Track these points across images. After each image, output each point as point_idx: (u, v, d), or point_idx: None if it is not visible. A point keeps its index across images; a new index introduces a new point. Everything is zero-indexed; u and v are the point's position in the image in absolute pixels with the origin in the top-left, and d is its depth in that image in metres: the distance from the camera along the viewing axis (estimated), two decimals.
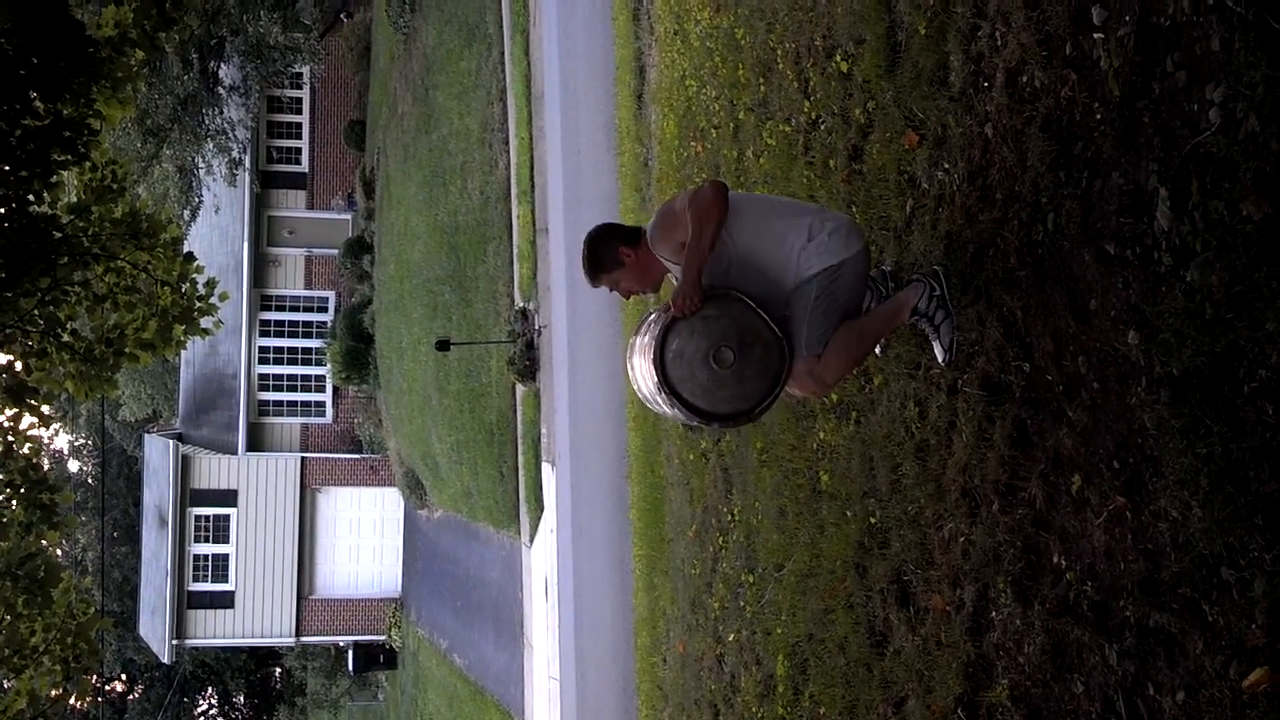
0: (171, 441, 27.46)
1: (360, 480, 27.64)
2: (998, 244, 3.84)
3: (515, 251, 18.05)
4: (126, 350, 8.52)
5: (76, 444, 48.20)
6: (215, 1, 23.16)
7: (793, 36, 5.85)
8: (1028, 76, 3.69)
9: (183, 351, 29.21)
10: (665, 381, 3.88)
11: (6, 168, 8.15)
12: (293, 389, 28.30)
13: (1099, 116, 3.35)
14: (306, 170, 29.71)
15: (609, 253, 4.19)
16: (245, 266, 27.45)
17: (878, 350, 4.67)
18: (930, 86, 4.31)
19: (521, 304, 17.87)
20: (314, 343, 28.15)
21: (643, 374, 4.03)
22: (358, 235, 27.84)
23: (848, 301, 3.98)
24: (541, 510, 16.66)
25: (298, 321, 28.68)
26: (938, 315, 4.08)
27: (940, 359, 4.15)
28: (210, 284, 8.88)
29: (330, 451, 27.86)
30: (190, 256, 8.86)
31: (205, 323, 8.86)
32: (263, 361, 28.19)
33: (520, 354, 17.22)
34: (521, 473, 17.84)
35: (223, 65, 24.70)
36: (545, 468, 16.29)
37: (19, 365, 8.22)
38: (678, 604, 8.46)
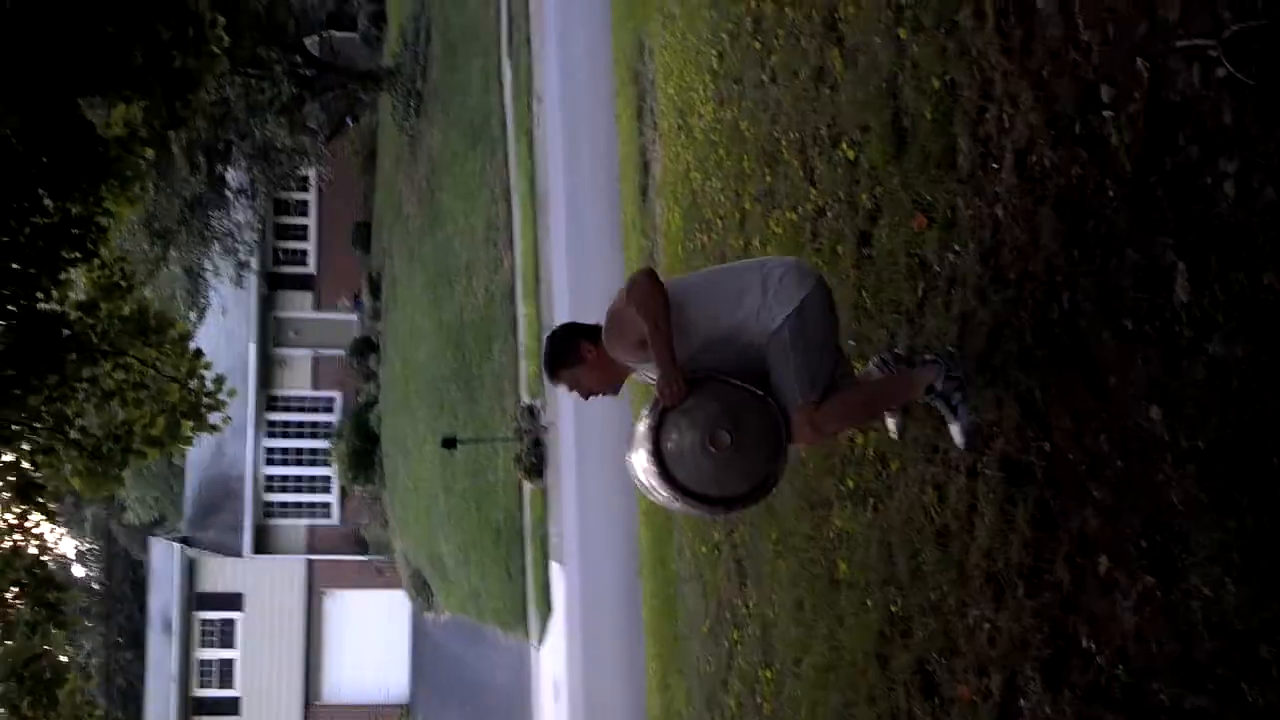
0: (177, 544, 27.32)
1: (367, 583, 27.38)
2: (1013, 324, 3.82)
3: (521, 349, 18.10)
4: (134, 447, 8.51)
5: (82, 549, 47.83)
6: (222, 106, 23.54)
7: (797, 127, 5.90)
8: (1037, 156, 3.69)
9: (188, 452, 29.19)
10: (674, 484, 3.80)
11: (15, 265, 8.22)
12: (299, 490, 28.19)
13: (1112, 194, 3.34)
14: (313, 271, 29.96)
15: (570, 349, 4.08)
16: (252, 367, 27.53)
17: (894, 433, 4.62)
18: (938, 170, 4.32)
19: (528, 401, 17.85)
20: (320, 443, 28.10)
21: (642, 469, 3.95)
22: (364, 335, 27.96)
23: (823, 336, 3.92)
24: (550, 611, 16.46)
25: (304, 422, 28.67)
26: (954, 396, 4.04)
27: (958, 442, 4.09)
28: (219, 380, 8.90)
29: (337, 553, 27.67)
30: (199, 353, 8.89)
31: (214, 418, 8.86)
32: (269, 462, 28.13)
33: (527, 451, 17.15)
34: (530, 572, 17.67)
35: (230, 168, 25.04)
36: (554, 567, 16.14)
37: (26, 464, 8.20)
38: (693, 704, 8.30)
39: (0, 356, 8.19)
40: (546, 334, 4.22)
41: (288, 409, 28.75)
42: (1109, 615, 3.26)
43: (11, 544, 8.37)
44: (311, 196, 30.16)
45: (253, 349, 27.69)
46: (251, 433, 27.66)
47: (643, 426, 3.90)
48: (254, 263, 26.78)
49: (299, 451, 28.37)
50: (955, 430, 4.10)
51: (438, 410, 21.51)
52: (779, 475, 3.94)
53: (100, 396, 8.63)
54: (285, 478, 28.17)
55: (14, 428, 8.25)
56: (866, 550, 4.99)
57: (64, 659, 8.57)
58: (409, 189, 24.72)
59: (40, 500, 8.34)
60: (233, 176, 25.73)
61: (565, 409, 15.07)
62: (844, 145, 5.24)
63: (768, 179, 6.36)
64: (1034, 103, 3.73)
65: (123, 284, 8.89)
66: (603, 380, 4.12)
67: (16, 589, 8.35)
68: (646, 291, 3.80)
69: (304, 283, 29.93)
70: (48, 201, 8.37)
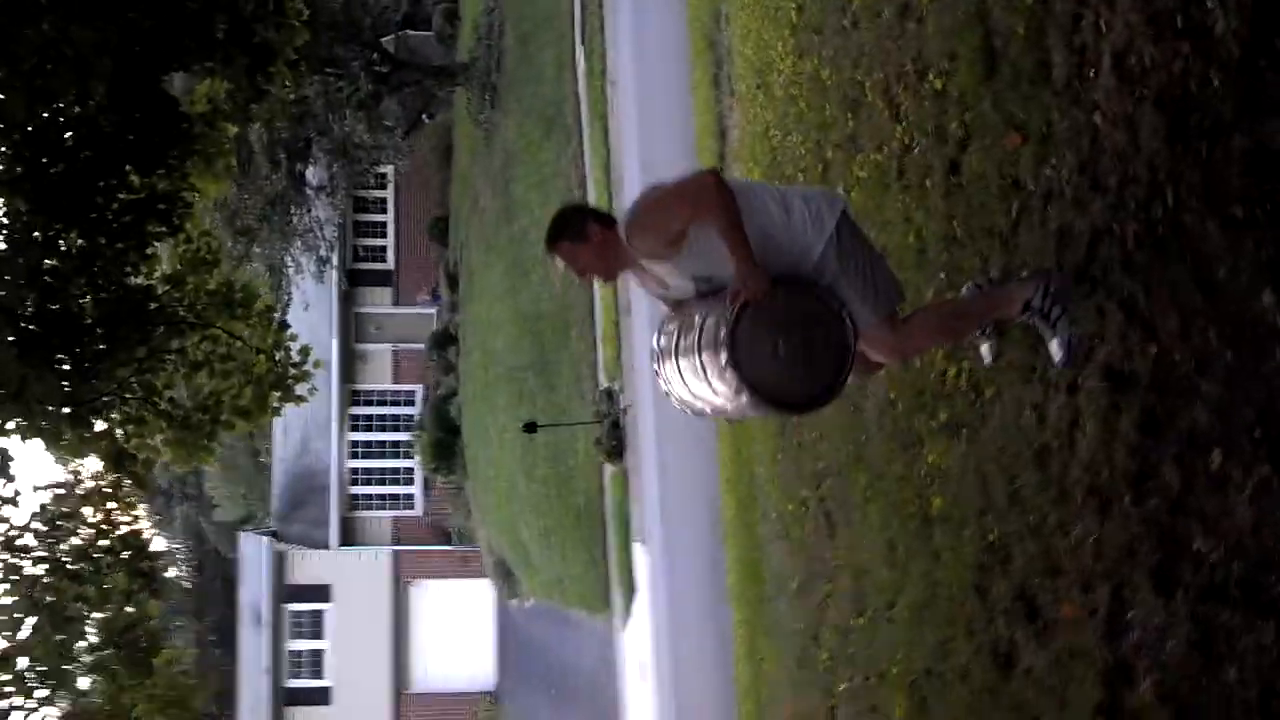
0: (265, 538, 27.74)
1: (452, 572, 27.60)
2: (1113, 230, 3.73)
3: (599, 334, 18.11)
4: (223, 418, 8.62)
5: (172, 549, 48.83)
6: (302, 104, 23.88)
7: (881, 66, 5.83)
8: (1136, 56, 3.60)
9: (275, 449, 29.63)
10: (750, 385, 3.74)
11: (103, 240, 8.37)
12: (382, 482, 28.51)
13: (1216, 83, 3.25)
14: (392, 267, 30.27)
15: (577, 224, 4.00)
16: (334, 363, 27.84)
17: (988, 358, 4.54)
18: (1032, 85, 4.24)
19: (606, 385, 17.87)
20: (402, 436, 28.38)
21: (700, 371, 3.86)
22: (443, 328, 28.19)
23: (865, 249, 3.97)
24: (634, 591, 16.44)
25: (386, 415, 28.98)
26: (1053, 311, 3.95)
27: (1057, 359, 4.00)
28: (304, 351, 8.99)
29: (421, 544, 27.93)
30: (284, 325, 8.99)
31: (300, 389, 8.95)
32: (353, 456, 28.47)
33: (607, 434, 17.17)
34: (612, 554, 17.67)
35: (310, 166, 25.38)
36: (636, 547, 16.12)
37: (118, 432, 8.34)
38: (783, 664, 8.23)
39: (90, 329, 8.34)
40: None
41: (370, 403, 29.08)
42: (1222, 512, 3.17)
43: (105, 512, 8.53)
44: (389, 194, 30.47)
45: (335, 345, 28.01)
46: (335, 427, 28.01)
47: (681, 321, 3.84)
48: (334, 259, 27.10)
49: (382, 444, 28.69)
50: (1054, 346, 4.01)
51: (517, 399, 21.62)
52: (842, 389, 3.90)
53: (189, 368, 8.75)
54: (369, 470, 28.50)
55: (105, 399, 8.39)
56: (961, 483, 4.91)
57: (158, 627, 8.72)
58: (484, 181, 24.88)
59: (133, 470, 8.48)
60: (312, 174, 26.08)
61: (644, 390, 15.05)
62: (931, 77, 5.16)
63: (850, 124, 6.29)
64: (1132, 2, 3.63)
65: (209, 258, 9.02)
66: (600, 262, 4.01)
67: (111, 556, 8.51)
68: (716, 189, 3.74)
69: (383, 279, 30.25)
70: (134, 178, 8.50)
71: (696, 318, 3.87)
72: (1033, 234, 4.23)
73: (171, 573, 47.52)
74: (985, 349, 4.56)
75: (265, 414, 8.98)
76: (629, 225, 3.92)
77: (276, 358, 9.01)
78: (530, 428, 18.24)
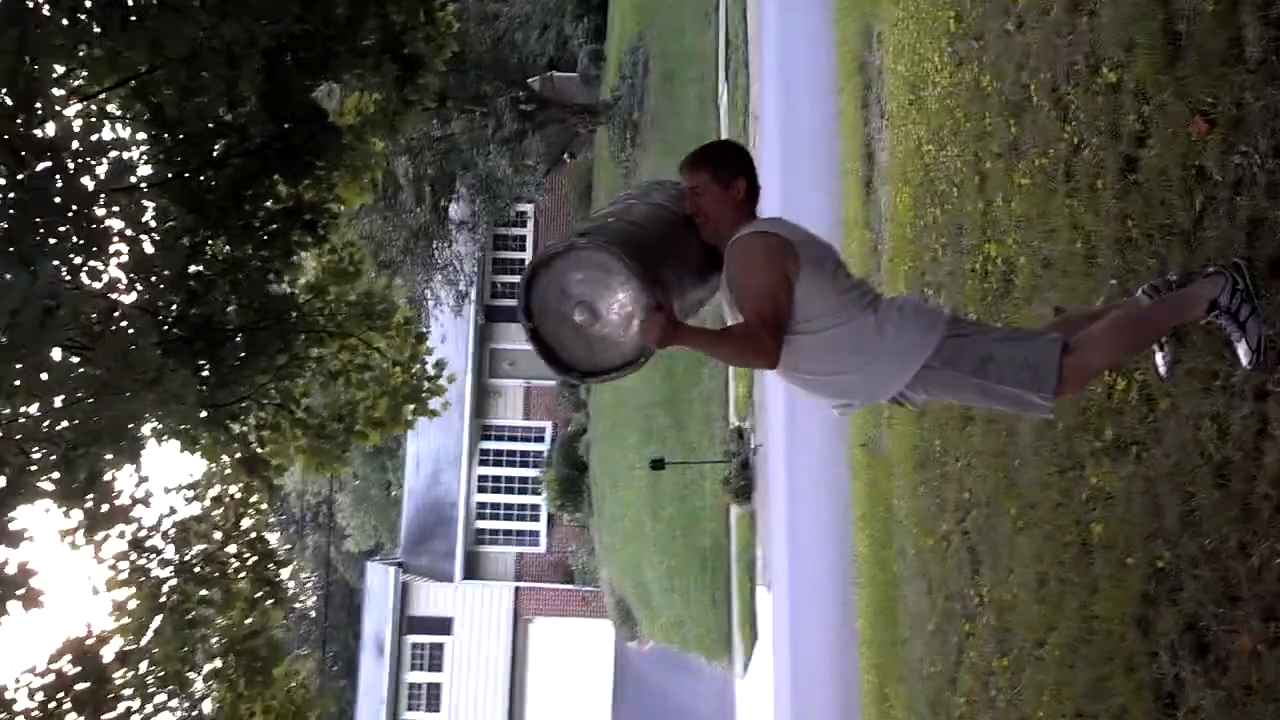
0: (392, 568, 27.97)
1: (572, 611, 27.45)
2: None
3: (731, 371, 17.87)
4: (357, 428, 8.59)
5: (302, 578, 49.67)
6: (448, 141, 24.30)
7: (1048, 66, 5.51)
8: None
9: (405, 480, 29.91)
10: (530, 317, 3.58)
11: (250, 248, 8.44)
12: (509, 518, 28.57)
13: None
14: None
15: (731, 167, 3.72)
16: (467, 397, 28.08)
17: (1164, 369, 4.16)
18: (1221, 67, 3.89)
19: (737, 423, 17.60)
20: (530, 472, 28.43)
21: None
22: None
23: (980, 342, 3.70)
24: (756, 638, 16.05)
25: (515, 451, 29.08)
26: (1242, 310, 3.58)
27: (1245, 361, 3.63)
28: (439, 364, 8.95)
29: (543, 581, 27.86)
30: (421, 337, 8.96)
31: (434, 403, 8.89)
32: (481, 490, 28.61)
33: (735, 474, 16.87)
34: (735, 599, 17.32)
35: (453, 201, 25.77)
36: (760, 591, 15.75)
37: (252, 438, 8.37)
38: (915, 711, 7.81)
39: (232, 335, 8.41)
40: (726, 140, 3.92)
41: (500, 438, 29.22)
42: None
43: (235, 516, 8.54)
44: (528, 231, 30.75)
45: (469, 379, 28.27)
46: (465, 461, 28.21)
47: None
48: (473, 294, 27.41)
49: (510, 480, 28.78)
50: (1242, 350, 3.64)
51: (646, 436, 21.45)
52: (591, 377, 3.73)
53: (326, 377, 8.77)
54: (496, 505, 28.59)
55: (242, 404, 8.43)
56: (1127, 506, 4.52)
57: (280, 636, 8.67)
58: None
59: (265, 475, 8.49)
60: (455, 210, 26.49)
61: (775, 429, 14.74)
62: (1104, 70, 4.83)
63: (1012, 130, 5.97)
64: None
65: (351, 269, 9.06)
66: (716, 218, 3.68)
67: (238, 562, 8.49)
68: (754, 349, 3.59)
69: None
70: (282, 187, 8.58)
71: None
72: (1219, 227, 3.87)
73: (300, 602, 48.42)
74: (1160, 358, 4.18)
75: (399, 425, 8.94)
76: (728, 268, 3.67)
77: (412, 370, 8.98)
78: (658, 464, 18.05)
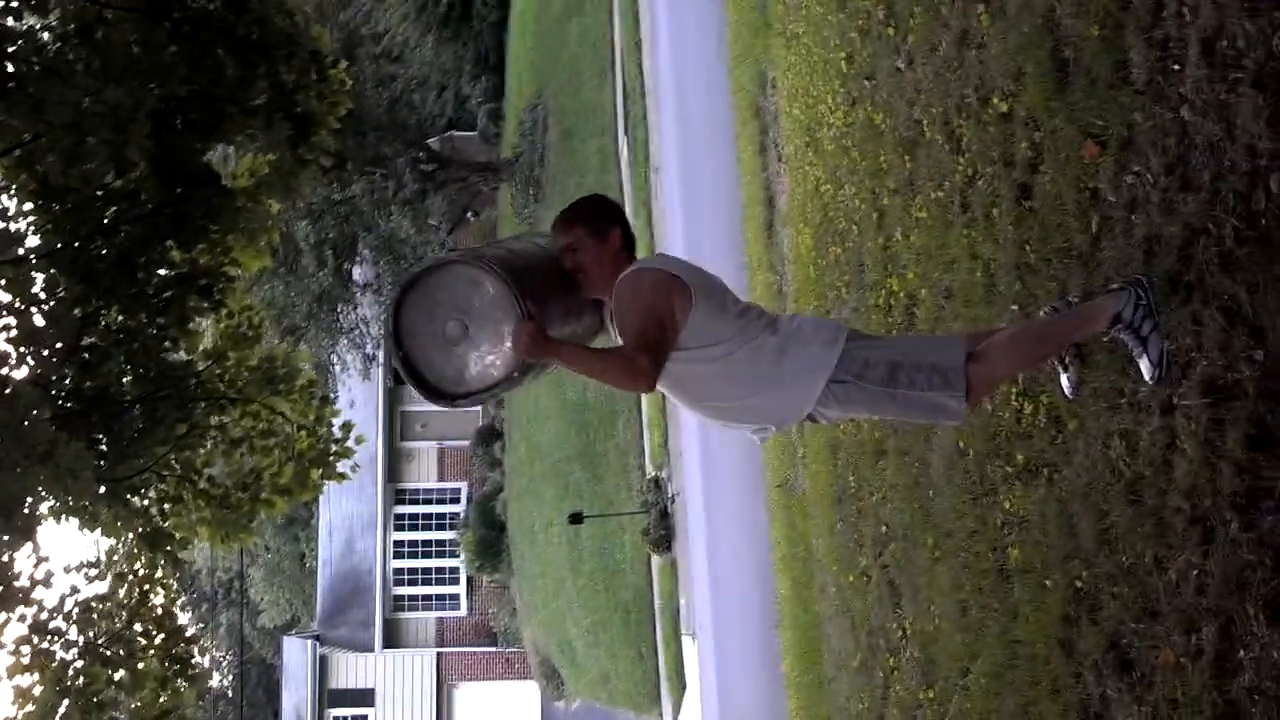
0: (309, 642, 27.32)
1: (496, 674, 27.04)
2: (1208, 230, 3.42)
3: (645, 420, 17.83)
4: (263, 496, 8.36)
5: (216, 657, 48.36)
6: (348, 204, 24.11)
7: (940, 100, 5.59)
8: (1228, 38, 3.33)
9: (320, 550, 29.30)
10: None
11: (144, 316, 8.22)
12: (427, 582, 28.11)
13: None
14: None
15: (605, 221, 3.73)
16: (379, 461, 27.68)
17: (1069, 390, 4.19)
18: (1109, 90, 3.97)
19: (654, 473, 17.54)
20: (447, 534, 28.04)
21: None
22: (488, 423, 28.01)
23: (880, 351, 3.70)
24: (684, 688, 15.92)
25: (431, 514, 28.69)
26: (1145, 325, 3.60)
27: (1148, 376, 3.66)
28: (346, 426, 8.76)
29: (466, 645, 27.42)
30: (325, 399, 8.77)
31: (342, 466, 8.69)
32: (397, 555, 28.14)
33: (655, 524, 16.78)
34: (661, 650, 17.18)
35: (356, 264, 25.52)
36: (685, 641, 15.64)
37: (154, 511, 8.11)
38: None
39: (129, 407, 8.17)
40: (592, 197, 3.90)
41: (415, 501, 28.82)
42: None
43: (140, 594, 8.24)
44: None
45: (380, 443, 27.88)
46: (380, 527, 27.75)
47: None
48: (380, 357, 27.10)
49: (426, 544, 28.35)
50: (1145, 365, 3.67)
51: (563, 491, 21.29)
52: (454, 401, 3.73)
53: (229, 445, 8.54)
54: (414, 570, 28.12)
55: (142, 476, 8.17)
56: (1043, 529, 4.54)
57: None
58: None
59: (169, 549, 8.22)
60: (359, 272, 26.23)
61: (692, 477, 14.71)
62: (995, 101, 4.91)
63: (908, 165, 6.04)
64: None
65: (250, 334, 8.85)
66: (594, 274, 3.67)
67: (145, 639, 8.19)
68: (631, 375, 3.47)
69: None
70: (175, 252, 8.39)
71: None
72: (1116, 247, 3.92)
73: (215, 681, 47.06)
74: (1065, 379, 4.21)
75: (306, 491, 8.71)
76: (615, 297, 3.63)
77: (319, 434, 8.78)
78: (576, 518, 17.91)
